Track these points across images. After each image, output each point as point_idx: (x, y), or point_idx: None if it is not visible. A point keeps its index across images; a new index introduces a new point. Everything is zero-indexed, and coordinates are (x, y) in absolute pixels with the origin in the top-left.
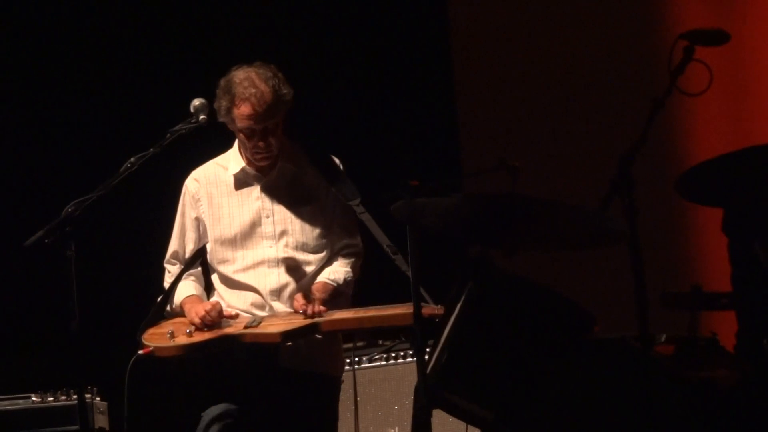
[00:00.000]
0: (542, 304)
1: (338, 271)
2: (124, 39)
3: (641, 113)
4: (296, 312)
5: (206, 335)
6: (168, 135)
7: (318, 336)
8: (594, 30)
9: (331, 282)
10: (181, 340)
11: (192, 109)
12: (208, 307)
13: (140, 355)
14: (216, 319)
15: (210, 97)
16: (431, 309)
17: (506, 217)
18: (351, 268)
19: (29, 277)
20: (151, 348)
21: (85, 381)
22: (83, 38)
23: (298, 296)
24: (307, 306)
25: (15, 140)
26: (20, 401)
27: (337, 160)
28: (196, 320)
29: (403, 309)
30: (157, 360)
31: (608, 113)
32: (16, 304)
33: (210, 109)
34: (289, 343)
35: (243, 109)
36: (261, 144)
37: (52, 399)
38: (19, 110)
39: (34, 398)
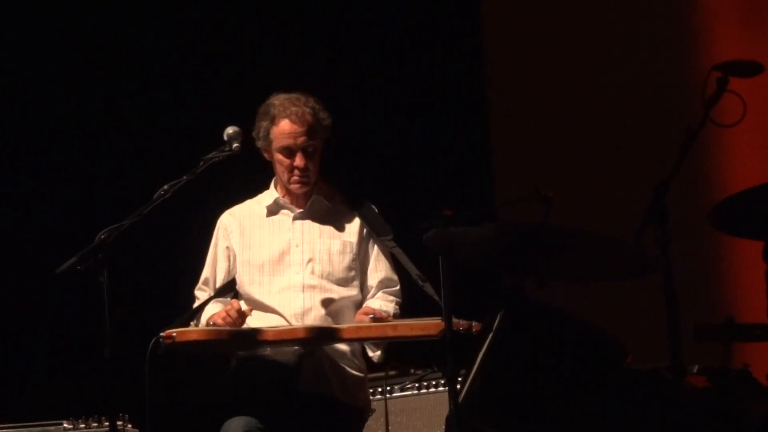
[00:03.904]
0: (574, 334)
1: (388, 305)
2: (161, 67)
3: (675, 144)
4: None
5: (230, 328)
6: (201, 163)
7: (340, 363)
8: (628, 61)
9: (382, 311)
10: (204, 328)
11: (225, 137)
12: (227, 306)
13: (161, 336)
14: (236, 317)
15: (243, 125)
16: (455, 323)
17: (539, 247)
18: (397, 305)
19: (62, 304)
20: (174, 334)
21: (117, 408)
22: (120, 67)
23: (360, 311)
24: (374, 312)
25: (49, 168)
26: (52, 428)
27: (372, 205)
28: (219, 321)
29: (428, 320)
30: (179, 363)
31: (642, 144)
32: (48, 331)
33: (244, 138)
34: (309, 352)
35: (282, 126)
36: (299, 164)
37: (84, 426)
38: (52, 138)
39: (65, 425)
